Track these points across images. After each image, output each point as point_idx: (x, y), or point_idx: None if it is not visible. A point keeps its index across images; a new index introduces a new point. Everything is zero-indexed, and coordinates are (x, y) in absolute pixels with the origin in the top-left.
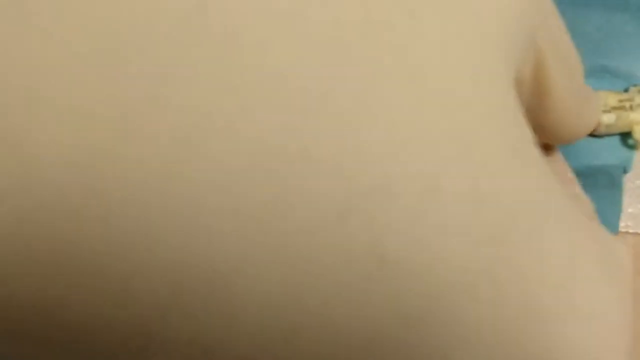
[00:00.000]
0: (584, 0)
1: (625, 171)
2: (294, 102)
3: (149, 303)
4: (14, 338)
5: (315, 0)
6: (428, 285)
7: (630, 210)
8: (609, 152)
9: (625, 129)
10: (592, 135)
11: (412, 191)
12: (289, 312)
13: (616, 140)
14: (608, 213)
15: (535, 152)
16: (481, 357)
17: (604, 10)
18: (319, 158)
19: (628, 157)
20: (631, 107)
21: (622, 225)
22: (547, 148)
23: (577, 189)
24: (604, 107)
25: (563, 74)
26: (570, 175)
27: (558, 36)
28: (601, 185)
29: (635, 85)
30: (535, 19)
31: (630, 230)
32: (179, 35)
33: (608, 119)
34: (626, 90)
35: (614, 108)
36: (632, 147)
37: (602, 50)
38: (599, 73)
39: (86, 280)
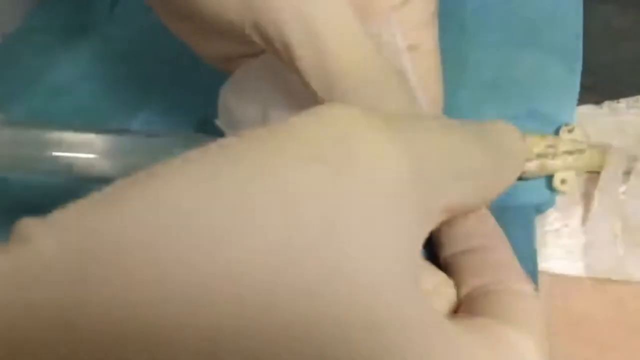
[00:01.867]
0: (520, 41)
1: (539, 210)
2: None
3: None
4: None
5: None
6: None
7: (549, 250)
8: (531, 192)
9: (547, 174)
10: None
11: None
12: None
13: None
14: (523, 252)
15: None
16: None
17: (537, 51)
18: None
19: (549, 198)
20: (554, 155)
21: (541, 265)
22: None
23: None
24: (530, 155)
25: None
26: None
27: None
28: (516, 224)
29: (566, 125)
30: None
31: (550, 271)
32: None
33: (531, 166)
34: (557, 131)
35: (538, 156)
36: (554, 190)
37: (533, 94)
38: (531, 116)
39: None
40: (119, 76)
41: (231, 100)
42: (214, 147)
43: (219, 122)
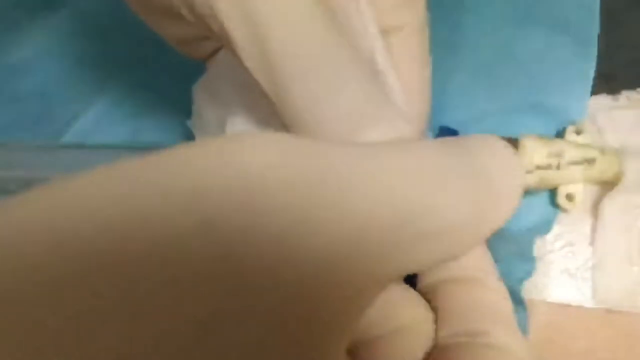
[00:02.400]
0: (525, 17)
1: (539, 233)
2: None
3: None
4: None
5: None
6: None
7: (548, 274)
8: (528, 212)
9: (549, 188)
10: None
11: None
12: None
13: (542, 197)
14: (515, 281)
15: None
16: None
17: (545, 30)
18: None
19: (548, 218)
20: (558, 166)
21: (537, 292)
22: None
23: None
24: (528, 166)
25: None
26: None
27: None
28: (512, 252)
29: (572, 124)
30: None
31: (548, 299)
32: None
33: (530, 179)
34: (561, 132)
35: (539, 167)
36: (556, 207)
37: (538, 83)
38: (534, 110)
39: None
40: (85, 55)
41: (199, 100)
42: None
43: (189, 124)
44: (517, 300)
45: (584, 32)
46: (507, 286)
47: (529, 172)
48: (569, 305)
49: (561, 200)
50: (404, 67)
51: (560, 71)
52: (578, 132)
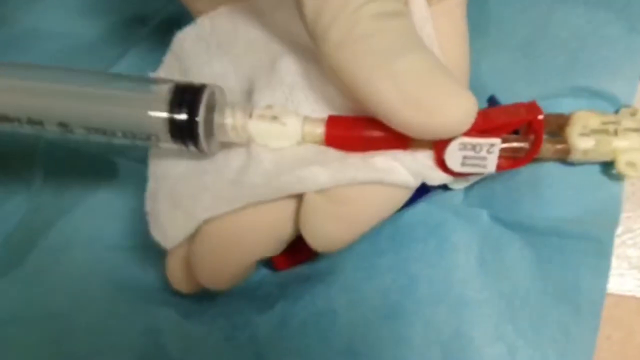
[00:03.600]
0: None
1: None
2: None
3: None
4: None
5: None
6: None
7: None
8: (587, 193)
9: (606, 158)
10: (565, 162)
11: None
12: None
13: (595, 171)
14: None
15: None
16: None
17: (584, 6)
18: None
19: (612, 200)
20: (616, 132)
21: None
22: None
23: None
24: (582, 129)
25: None
26: None
27: None
28: (584, 251)
29: (627, 107)
30: None
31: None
32: None
33: (585, 143)
34: (616, 112)
35: (594, 131)
36: (616, 179)
37: (581, 64)
38: (577, 94)
39: None
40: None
41: (189, 48)
42: None
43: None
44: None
45: (633, 7)
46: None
47: (584, 134)
48: (630, 297)
49: (622, 167)
50: (446, 38)
51: (605, 50)
52: (633, 114)
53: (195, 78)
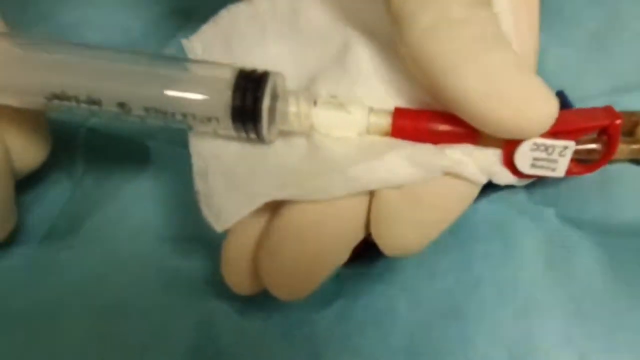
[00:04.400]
0: None
1: None
2: None
3: None
4: None
5: None
6: None
7: None
8: None
9: None
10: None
11: None
12: None
13: None
14: None
15: None
16: None
17: None
18: None
19: None
20: None
21: None
22: None
23: None
24: None
25: None
26: None
27: None
28: None
29: None
30: None
31: None
32: None
33: None
34: None
35: None
36: None
37: None
38: None
39: None
40: None
41: (241, 26)
42: None
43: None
44: None
45: None
46: None
47: None
48: None
49: None
50: (520, 32)
51: None
52: None
53: (245, 58)
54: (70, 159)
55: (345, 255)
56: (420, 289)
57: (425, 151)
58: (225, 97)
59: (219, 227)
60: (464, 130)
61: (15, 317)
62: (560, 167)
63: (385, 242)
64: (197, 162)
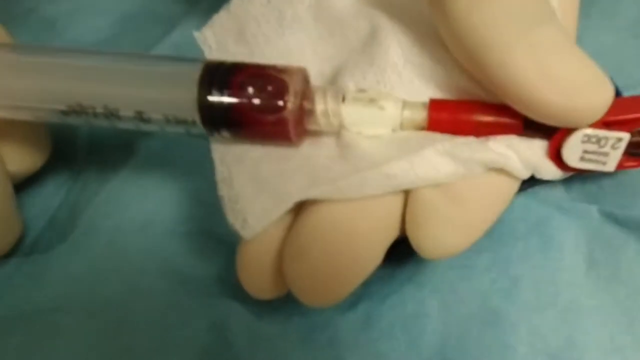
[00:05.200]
0: None
1: None
2: None
3: None
4: None
5: None
6: None
7: None
8: None
9: None
10: None
11: None
12: None
13: None
14: None
15: None
16: None
17: None
18: None
19: None
20: None
21: None
22: None
23: None
24: None
25: None
26: None
27: None
28: None
29: None
30: None
31: None
32: None
33: None
34: None
35: None
36: None
37: None
38: None
39: None
40: None
41: (256, 13)
42: None
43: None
44: None
45: None
46: None
47: None
48: None
49: None
50: (562, 13)
51: None
52: None
53: (262, 48)
54: (72, 152)
55: (378, 258)
56: (453, 291)
57: (467, 145)
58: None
59: (246, 233)
60: (507, 120)
61: (15, 317)
62: (612, 161)
63: (424, 245)
64: (220, 168)
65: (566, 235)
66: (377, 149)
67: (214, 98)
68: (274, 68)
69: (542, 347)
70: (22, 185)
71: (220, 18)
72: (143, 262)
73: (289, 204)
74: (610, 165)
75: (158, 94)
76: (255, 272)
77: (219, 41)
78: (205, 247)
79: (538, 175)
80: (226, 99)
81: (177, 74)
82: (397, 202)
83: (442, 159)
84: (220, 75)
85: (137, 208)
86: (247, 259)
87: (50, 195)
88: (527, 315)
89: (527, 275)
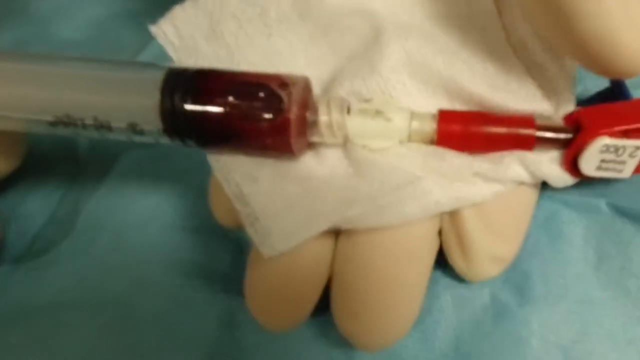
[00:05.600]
0: None
1: None
2: None
3: None
4: None
5: None
6: None
7: None
8: None
9: None
10: None
11: None
12: None
13: None
14: None
15: None
16: None
17: None
18: None
19: None
20: None
21: None
22: None
23: None
24: None
25: None
26: None
27: None
28: None
29: None
30: None
31: None
32: None
33: None
34: None
35: None
36: None
37: None
38: None
39: None
40: None
41: (234, 8)
42: None
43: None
44: None
45: None
46: None
47: None
48: None
49: None
50: None
51: None
52: None
53: (245, 51)
54: (73, 147)
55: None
56: (465, 286)
57: (489, 164)
58: None
59: (268, 252)
60: (520, 131)
61: (15, 313)
62: (628, 168)
63: (469, 275)
64: (230, 188)
65: (576, 230)
66: (398, 166)
67: (191, 106)
68: (274, 76)
69: (555, 340)
70: (22, 180)
71: (185, 10)
72: (148, 258)
73: (323, 224)
74: (627, 172)
75: (119, 101)
76: (278, 307)
77: (183, 37)
78: (210, 242)
79: (551, 184)
80: (212, 109)
81: (140, 80)
82: (434, 225)
83: (475, 180)
84: (183, 81)
85: (142, 203)
86: (261, 292)
87: (52, 191)
88: (538, 309)
89: (538, 269)
